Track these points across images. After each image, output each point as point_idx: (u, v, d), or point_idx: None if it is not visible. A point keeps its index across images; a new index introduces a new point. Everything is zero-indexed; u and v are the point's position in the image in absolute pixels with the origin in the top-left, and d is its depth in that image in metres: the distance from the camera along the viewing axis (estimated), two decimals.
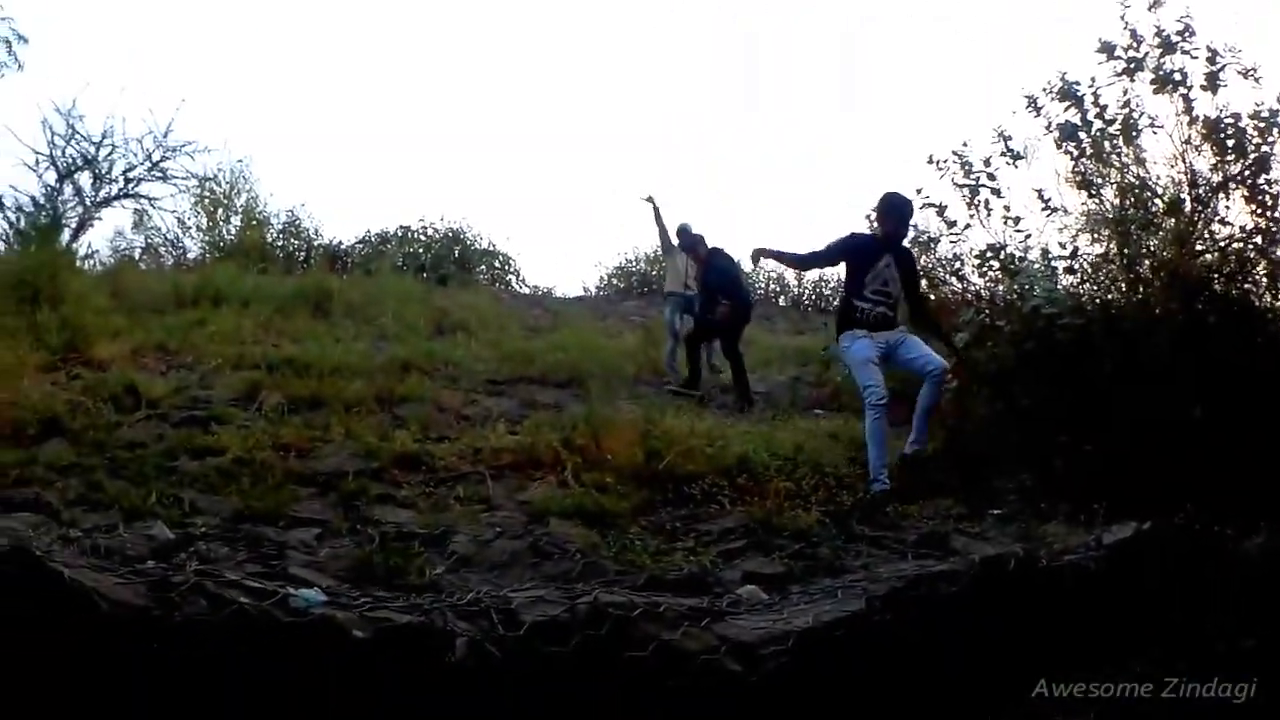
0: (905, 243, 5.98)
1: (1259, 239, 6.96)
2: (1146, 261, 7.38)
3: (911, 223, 5.98)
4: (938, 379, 5.53)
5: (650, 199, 10.08)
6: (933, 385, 5.52)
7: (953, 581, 3.20)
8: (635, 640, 2.51)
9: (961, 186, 7.05)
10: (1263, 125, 6.83)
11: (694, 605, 2.90)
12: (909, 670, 2.95)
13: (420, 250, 15.39)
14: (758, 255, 5.99)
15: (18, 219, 12.43)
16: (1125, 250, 7.50)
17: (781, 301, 16.34)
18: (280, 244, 14.91)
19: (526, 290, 15.50)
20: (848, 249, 5.74)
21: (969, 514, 5.33)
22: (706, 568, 3.86)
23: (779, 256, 6.02)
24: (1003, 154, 7.63)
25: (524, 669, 2.39)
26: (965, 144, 7.32)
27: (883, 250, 5.61)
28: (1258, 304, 7.06)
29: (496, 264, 16.07)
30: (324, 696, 2.21)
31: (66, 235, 12.08)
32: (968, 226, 7.59)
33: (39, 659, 2.15)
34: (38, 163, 14.13)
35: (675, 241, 10.00)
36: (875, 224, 5.93)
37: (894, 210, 5.70)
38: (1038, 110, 7.51)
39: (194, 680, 2.16)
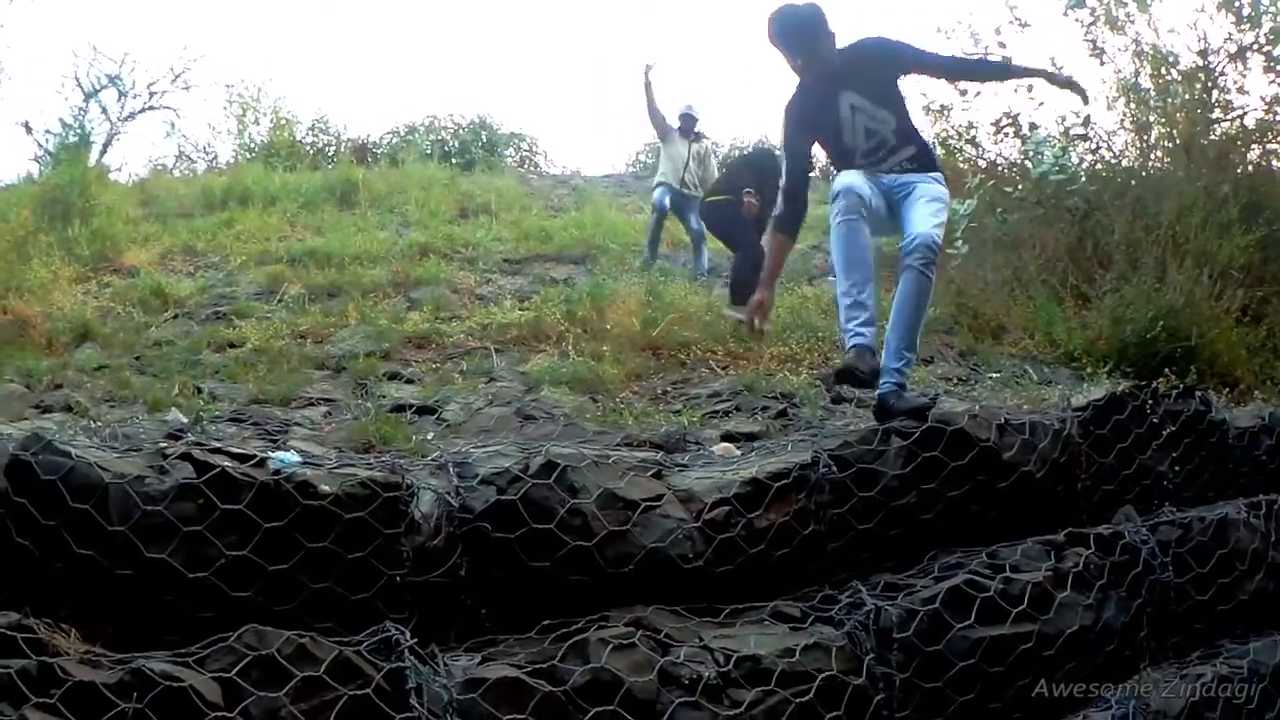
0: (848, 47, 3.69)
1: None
2: (1158, 128, 7.30)
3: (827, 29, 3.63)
4: (913, 263, 3.43)
5: (647, 69, 8.31)
6: (907, 273, 3.47)
7: (903, 438, 3.31)
8: (581, 489, 2.75)
9: (970, 54, 7.03)
10: None
11: (647, 459, 3.13)
12: (851, 523, 3.11)
13: (448, 137, 15.39)
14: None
15: (47, 141, 12.71)
16: (1138, 117, 7.39)
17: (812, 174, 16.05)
18: (310, 141, 15.01)
19: (555, 171, 15.47)
20: (803, 126, 3.78)
21: (968, 378, 5.45)
22: (685, 427, 4.08)
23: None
24: (1012, 21, 7.53)
25: (477, 519, 2.65)
26: (971, 12, 7.30)
27: (834, 91, 3.65)
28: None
29: (524, 146, 16.04)
30: (298, 546, 2.49)
31: (96, 152, 12.35)
32: (978, 94, 7.54)
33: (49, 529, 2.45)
34: (63, 85, 14.36)
35: (676, 125, 8.55)
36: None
37: (788, 32, 3.63)
38: None
39: (185, 537, 2.45)
